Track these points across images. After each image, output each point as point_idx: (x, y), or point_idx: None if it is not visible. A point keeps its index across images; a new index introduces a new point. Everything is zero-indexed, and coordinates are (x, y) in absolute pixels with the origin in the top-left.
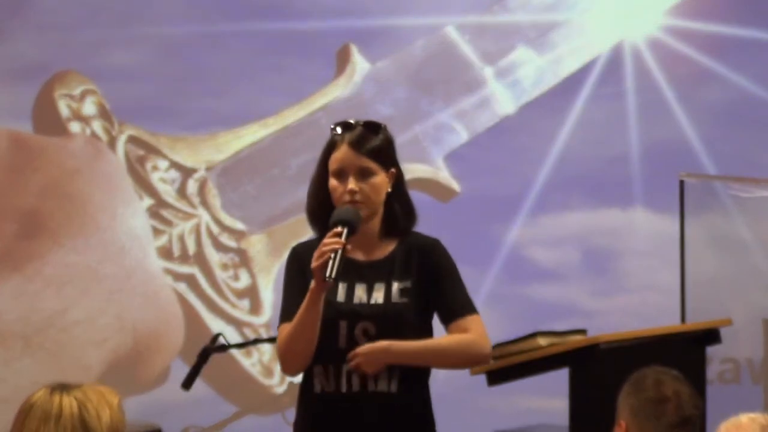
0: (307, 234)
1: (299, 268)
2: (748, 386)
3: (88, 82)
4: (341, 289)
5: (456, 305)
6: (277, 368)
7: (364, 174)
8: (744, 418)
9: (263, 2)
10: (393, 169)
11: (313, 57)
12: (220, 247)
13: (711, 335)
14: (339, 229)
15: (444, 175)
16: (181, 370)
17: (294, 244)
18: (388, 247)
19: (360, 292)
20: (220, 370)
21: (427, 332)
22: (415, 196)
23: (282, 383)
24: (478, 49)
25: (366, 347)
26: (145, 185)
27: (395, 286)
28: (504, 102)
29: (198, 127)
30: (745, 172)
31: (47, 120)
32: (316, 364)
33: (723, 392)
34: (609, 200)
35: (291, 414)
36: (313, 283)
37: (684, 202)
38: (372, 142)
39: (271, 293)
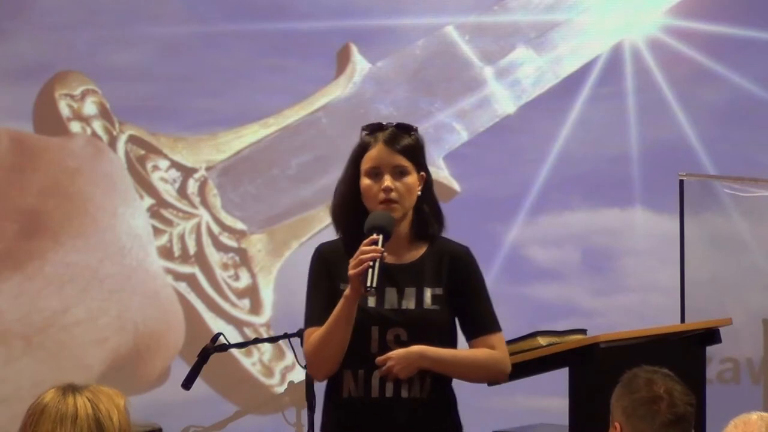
0: (307, 234)
1: (325, 270)
2: (748, 386)
3: (89, 82)
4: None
5: (484, 321)
6: (277, 368)
7: (399, 172)
8: (754, 415)
9: (263, 2)
10: (423, 172)
11: (313, 57)
12: (220, 246)
13: (711, 335)
14: (375, 236)
15: (444, 175)
16: (182, 370)
17: (294, 243)
18: (418, 251)
19: (391, 297)
20: (221, 370)
21: (455, 340)
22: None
23: (282, 383)
24: (478, 49)
25: (400, 351)
26: (145, 185)
27: (428, 292)
28: (504, 102)
29: (198, 127)
30: (745, 172)
31: (48, 120)
32: (345, 369)
33: (723, 392)
34: (609, 200)
35: (291, 414)
36: (348, 290)
37: (683, 202)
38: (405, 140)
39: (271, 293)
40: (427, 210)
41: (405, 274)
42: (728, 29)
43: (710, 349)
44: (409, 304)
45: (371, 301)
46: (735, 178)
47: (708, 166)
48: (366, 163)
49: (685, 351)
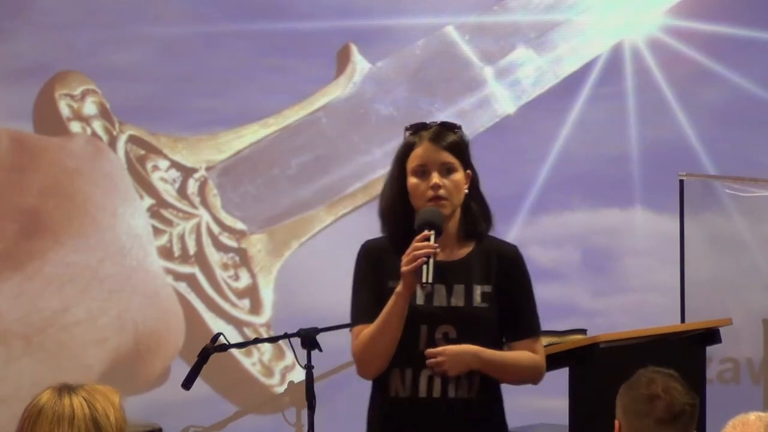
0: (307, 234)
1: (371, 267)
2: (748, 386)
3: (89, 82)
4: (419, 290)
5: (531, 324)
6: (277, 368)
7: (446, 169)
8: (752, 415)
9: (263, 2)
10: (469, 170)
11: (313, 57)
12: (220, 246)
13: (711, 335)
14: (427, 232)
15: None
16: (182, 370)
17: (294, 243)
18: (466, 249)
19: (439, 294)
20: (221, 370)
21: (500, 339)
22: None
23: (282, 383)
24: (478, 49)
25: (454, 348)
26: (145, 185)
27: (477, 289)
28: (504, 102)
29: (198, 127)
30: (745, 172)
31: (48, 120)
32: (392, 368)
33: (723, 392)
34: (609, 200)
35: (291, 414)
36: (400, 287)
37: (683, 202)
38: (451, 137)
39: (271, 293)
40: (475, 207)
41: (454, 272)
42: (728, 29)
43: (710, 349)
44: (458, 301)
45: (420, 299)
46: (735, 178)
47: (708, 166)
48: (412, 162)
49: (685, 351)
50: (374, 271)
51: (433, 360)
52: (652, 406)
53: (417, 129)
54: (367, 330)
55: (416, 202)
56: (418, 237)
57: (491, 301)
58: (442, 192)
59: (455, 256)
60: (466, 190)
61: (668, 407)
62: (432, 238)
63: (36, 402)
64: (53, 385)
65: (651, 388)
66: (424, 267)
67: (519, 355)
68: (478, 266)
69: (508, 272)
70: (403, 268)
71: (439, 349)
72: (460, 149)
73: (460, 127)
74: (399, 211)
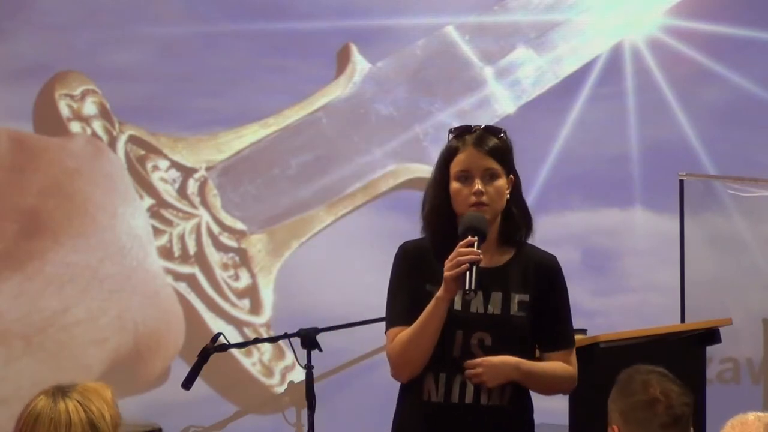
0: (307, 234)
1: (409, 269)
2: (748, 386)
3: (89, 82)
4: (457, 295)
5: (567, 335)
6: (277, 368)
7: (489, 176)
8: (751, 415)
9: (263, 2)
10: (512, 176)
11: (313, 57)
12: (220, 246)
13: (711, 335)
14: (471, 238)
15: None
16: (182, 370)
17: (294, 243)
18: (505, 256)
19: (476, 300)
20: (221, 370)
21: (534, 348)
22: (416, 195)
23: (282, 383)
24: (478, 49)
25: (493, 360)
26: (145, 185)
27: (515, 298)
28: (504, 102)
29: (198, 127)
30: (745, 172)
31: (48, 120)
32: (426, 371)
33: (723, 392)
34: (609, 200)
35: (291, 414)
36: (441, 291)
37: (684, 202)
38: (494, 142)
39: (271, 293)
40: (516, 213)
41: (492, 278)
42: (728, 29)
43: (710, 349)
44: (496, 309)
45: (457, 304)
46: (735, 178)
47: (708, 166)
48: (455, 167)
49: (685, 351)
50: (412, 274)
51: (471, 371)
52: (653, 411)
53: (461, 133)
54: (403, 333)
55: (458, 207)
56: (462, 243)
57: (528, 310)
58: (484, 198)
59: (494, 262)
60: (508, 196)
61: (669, 410)
62: (476, 245)
63: (31, 409)
64: (46, 390)
65: (649, 392)
66: (467, 273)
67: (555, 366)
68: (516, 274)
69: (546, 282)
70: (446, 274)
71: (478, 360)
72: (504, 155)
73: (504, 132)
74: (442, 214)
